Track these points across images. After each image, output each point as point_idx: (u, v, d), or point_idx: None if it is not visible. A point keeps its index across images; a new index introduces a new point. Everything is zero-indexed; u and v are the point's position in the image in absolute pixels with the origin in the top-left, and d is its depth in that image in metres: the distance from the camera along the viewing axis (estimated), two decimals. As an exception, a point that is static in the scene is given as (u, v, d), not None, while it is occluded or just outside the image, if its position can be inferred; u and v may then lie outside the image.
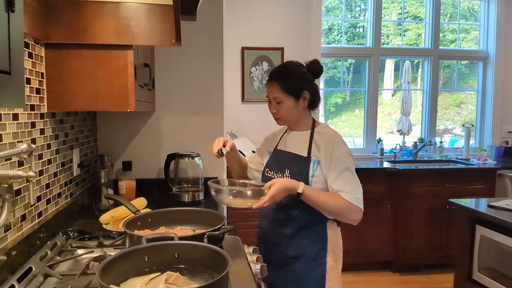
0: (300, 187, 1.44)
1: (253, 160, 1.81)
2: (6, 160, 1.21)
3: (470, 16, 4.60)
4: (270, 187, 1.40)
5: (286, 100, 1.55)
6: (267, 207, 1.45)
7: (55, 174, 1.63)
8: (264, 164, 1.71)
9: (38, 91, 1.48)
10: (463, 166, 3.82)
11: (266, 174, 1.67)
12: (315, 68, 1.62)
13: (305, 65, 1.63)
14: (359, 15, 4.54)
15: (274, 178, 1.57)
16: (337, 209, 1.47)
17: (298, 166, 1.55)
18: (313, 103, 1.61)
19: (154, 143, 2.41)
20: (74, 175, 1.87)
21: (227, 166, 2.29)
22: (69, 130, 1.81)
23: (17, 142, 1.29)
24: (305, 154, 1.56)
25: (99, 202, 2.05)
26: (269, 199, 1.38)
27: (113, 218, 1.72)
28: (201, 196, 2.27)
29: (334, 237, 1.58)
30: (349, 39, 4.52)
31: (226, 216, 1.66)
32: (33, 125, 1.42)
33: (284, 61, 3.95)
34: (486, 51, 4.42)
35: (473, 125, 4.43)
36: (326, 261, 1.55)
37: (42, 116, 1.51)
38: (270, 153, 1.71)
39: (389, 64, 4.61)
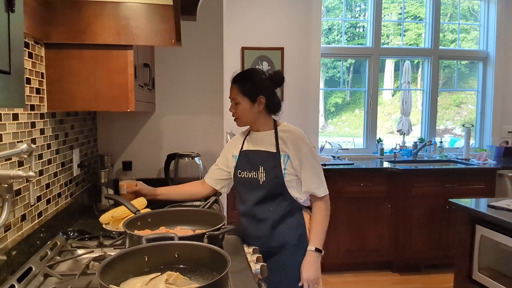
0: (310, 248, 1.63)
1: (214, 171, 1.88)
2: (6, 160, 1.21)
3: (470, 16, 4.60)
4: (306, 280, 1.62)
5: (242, 101, 1.67)
6: (246, 206, 1.71)
7: (55, 174, 1.63)
8: (233, 167, 1.78)
9: (38, 91, 1.48)
10: (463, 166, 3.82)
11: (240, 176, 1.73)
12: (276, 77, 1.73)
13: (267, 74, 1.74)
14: (359, 15, 4.54)
15: (248, 177, 1.70)
16: (327, 217, 1.70)
17: (270, 161, 1.67)
18: (272, 108, 1.73)
19: (154, 143, 2.42)
20: (74, 175, 1.87)
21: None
22: (69, 130, 1.81)
23: (17, 142, 1.29)
24: (274, 150, 1.68)
25: (99, 202, 2.05)
26: (311, 283, 1.62)
27: (113, 218, 1.72)
28: (201, 196, 2.27)
29: (308, 222, 1.72)
30: (349, 39, 4.52)
31: (226, 216, 1.65)
32: (33, 125, 1.42)
33: (284, 61, 3.98)
34: (486, 51, 4.42)
35: (473, 125, 4.43)
36: (308, 244, 1.67)
37: (42, 116, 1.51)
38: (236, 156, 1.77)
39: (389, 64, 4.61)
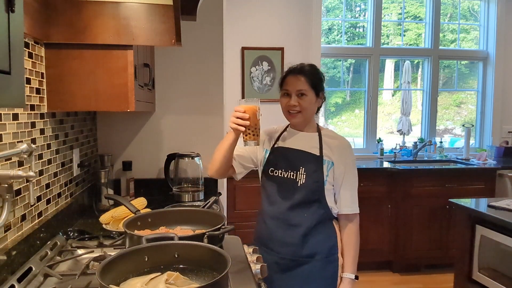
0: (349, 276, 1.56)
1: (243, 154, 1.69)
2: (6, 160, 1.21)
3: (470, 16, 4.60)
4: None
5: (309, 94, 1.57)
6: (277, 208, 1.58)
7: (55, 174, 1.63)
8: (262, 162, 1.66)
9: (38, 91, 1.48)
10: (463, 166, 3.82)
11: (272, 174, 1.63)
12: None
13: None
14: (359, 15, 4.54)
15: (283, 177, 1.59)
16: (358, 241, 1.62)
17: (313, 164, 1.56)
18: (319, 109, 1.69)
19: (154, 143, 2.41)
20: (74, 175, 1.87)
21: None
22: (69, 130, 1.81)
23: (17, 142, 1.29)
24: (317, 153, 1.58)
25: (99, 202, 2.06)
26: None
27: (113, 218, 1.72)
28: (201, 196, 2.27)
29: (338, 234, 1.62)
30: (349, 39, 4.52)
31: (226, 216, 1.65)
32: (33, 125, 1.42)
33: (284, 61, 3.97)
34: (486, 51, 4.42)
35: (473, 125, 4.43)
36: (338, 257, 1.59)
37: (42, 116, 1.51)
38: (267, 151, 1.66)
39: (389, 64, 4.61)
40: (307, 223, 1.55)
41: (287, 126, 1.72)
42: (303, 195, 1.54)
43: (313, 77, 1.60)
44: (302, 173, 1.56)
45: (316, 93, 1.60)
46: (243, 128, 1.40)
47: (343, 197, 1.58)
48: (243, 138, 1.43)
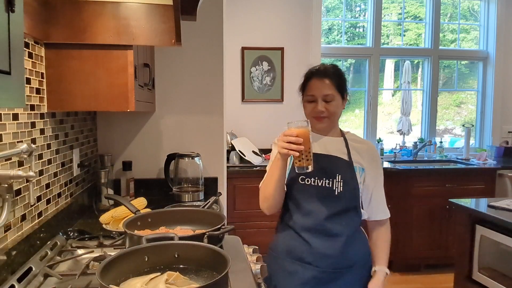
0: (384, 269, 1.53)
1: None
2: (6, 160, 1.21)
3: (470, 16, 4.60)
4: None
5: (336, 97, 1.49)
6: (314, 219, 1.47)
7: (55, 174, 1.63)
8: (288, 169, 1.51)
9: (38, 91, 1.48)
10: (463, 166, 3.82)
11: (303, 182, 1.49)
12: None
13: None
14: (359, 15, 4.53)
15: (318, 185, 1.48)
16: (390, 238, 1.60)
17: (348, 170, 1.49)
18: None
19: (154, 143, 2.41)
20: (74, 175, 1.87)
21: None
22: (69, 130, 1.81)
23: (17, 142, 1.29)
24: (347, 159, 1.51)
25: (99, 202, 2.06)
26: None
27: (113, 218, 1.72)
28: (201, 196, 2.27)
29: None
30: (349, 39, 4.52)
31: (226, 216, 1.65)
32: (33, 125, 1.42)
33: (284, 61, 3.97)
34: (486, 51, 4.41)
35: (473, 125, 4.43)
36: (371, 264, 1.57)
37: (42, 116, 1.51)
38: (292, 157, 1.43)
39: (389, 64, 4.61)
40: (346, 232, 1.47)
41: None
42: (342, 204, 1.47)
43: (338, 79, 1.50)
44: (339, 180, 1.47)
45: (342, 95, 1.52)
46: (297, 154, 1.32)
47: (376, 203, 1.55)
48: (296, 163, 1.36)
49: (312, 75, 1.51)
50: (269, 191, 1.50)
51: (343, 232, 1.47)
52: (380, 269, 1.52)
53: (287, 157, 1.39)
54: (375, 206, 1.55)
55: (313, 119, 1.50)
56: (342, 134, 1.59)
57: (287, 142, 1.33)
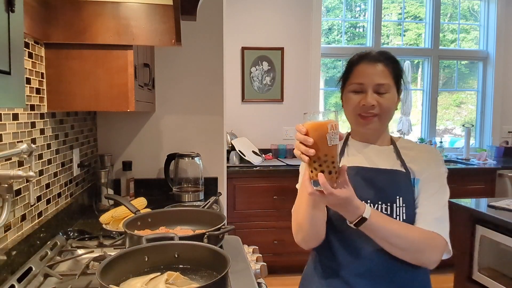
0: (366, 210, 1.00)
1: None
2: (6, 160, 1.21)
3: (470, 16, 4.59)
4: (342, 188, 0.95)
5: (392, 90, 1.14)
6: (368, 262, 1.09)
7: (55, 174, 1.63)
8: None
9: (38, 91, 1.48)
10: (463, 166, 3.82)
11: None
12: None
13: None
14: (359, 15, 4.53)
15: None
16: (414, 242, 1.06)
17: (407, 187, 1.12)
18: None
19: (154, 143, 2.41)
20: (74, 175, 1.87)
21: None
22: (69, 130, 1.81)
23: (17, 142, 1.29)
24: (403, 169, 1.14)
25: (99, 202, 2.05)
26: (327, 195, 0.92)
27: (113, 218, 1.72)
28: (201, 196, 2.27)
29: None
30: (349, 39, 4.52)
31: (226, 216, 1.65)
32: (33, 125, 1.42)
33: (284, 61, 3.97)
34: (486, 51, 4.41)
35: (473, 125, 4.42)
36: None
37: (42, 116, 1.51)
38: None
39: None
40: (409, 274, 1.11)
41: (347, 137, 1.26)
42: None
43: (396, 66, 1.16)
44: (400, 205, 1.10)
45: (398, 91, 1.17)
46: (306, 158, 0.91)
47: (429, 209, 1.12)
48: (309, 175, 0.94)
49: (361, 58, 1.16)
50: (301, 218, 1.10)
51: (407, 275, 1.09)
52: (367, 209, 1.00)
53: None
54: (431, 213, 1.12)
55: (358, 117, 1.14)
56: (392, 141, 1.22)
57: (299, 142, 0.92)
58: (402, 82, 1.18)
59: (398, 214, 1.10)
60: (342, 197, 0.93)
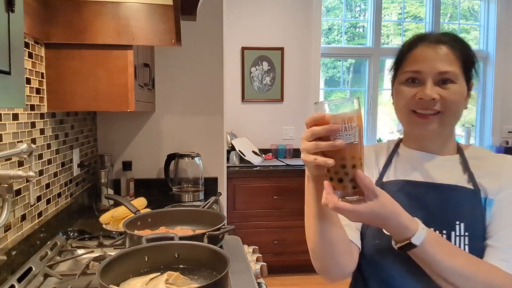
0: (419, 232, 0.76)
1: None
2: (6, 160, 1.21)
3: (470, 16, 4.59)
4: (374, 199, 0.72)
5: (460, 80, 0.89)
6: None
7: (55, 174, 1.63)
8: None
9: (38, 91, 1.48)
10: (463, 166, 3.81)
11: (388, 233, 0.81)
12: None
13: None
14: (359, 15, 4.53)
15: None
16: (484, 272, 0.79)
17: (474, 210, 0.86)
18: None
19: (154, 143, 2.41)
20: (74, 175, 1.87)
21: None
22: (69, 130, 1.81)
23: (17, 142, 1.29)
24: (470, 186, 0.89)
25: (99, 202, 2.05)
26: (333, 209, 0.72)
27: (113, 218, 1.72)
28: (201, 196, 2.27)
29: None
30: (349, 39, 4.52)
31: (226, 216, 1.65)
32: (33, 125, 1.42)
33: (284, 61, 3.97)
34: (486, 51, 4.41)
35: (473, 125, 4.42)
36: None
37: (42, 116, 1.51)
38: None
39: (389, 64, 4.60)
40: None
41: (398, 143, 1.05)
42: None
43: (465, 50, 0.91)
44: (462, 233, 0.85)
45: (468, 81, 0.93)
46: (315, 160, 0.70)
47: (495, 227, 0.85)
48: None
49: (419, 40, 0.92)
50: (312, 238, 0.88)
51: None
52: (420, 230, 0.76)
53: (316, 174, 0.77)
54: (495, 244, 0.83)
55: (412, 115, 0.90)
56: (459, 150, 0.96)
57: (308, 141, 0.71)
58: (473, 71, 0.93)
59: (458, 243, 0.84)
60: (361, 211, 0.70)
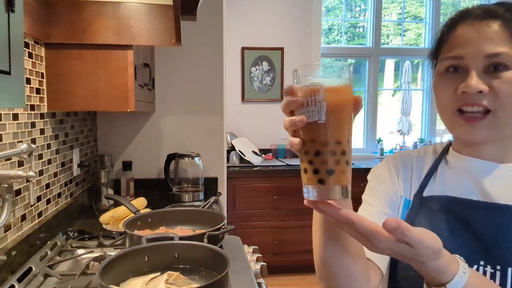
0: (459, 276, 0.57)
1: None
2: (6, 160, 1.21)
3: (470, 16, 4.60)
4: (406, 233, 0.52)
5: None
6: None
7: (55, 174, 1.63)
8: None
9: (38, 91, 1.48)
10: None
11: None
12: None
13: None
14: (359, 15, 4.53)
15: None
16: None
17: None
18: None
19: (154, 143, 2.41)
20: (74, 175, 1.87)
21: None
22: (69, 130, 1.81)
23: (17, 142, 1.29)
24: None
25: (99, 202, 2.05)
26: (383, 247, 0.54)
27: (113, 218, 1.72)
28: (201, 196, 2.27)
29: None
30: (349, 39, 4.52)
31: (226, 216, 1.65)
32: (33, 125, 1.42)
33: (284, 61, 3.97)
34: (486, 51, 4.42)
35: None
36: None
37: (42, 116, 1.51)
38: (407, 203, 0.80)
39: (389, 64, 4.61)
40: None
41: (447, 148, 0.83)
42: None
43: None
44: None
45: None
46: (294, 142, 0.56)
47: None
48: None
49: (462, 17, 0.73)
50: (316, 249, 0.70)
51: None
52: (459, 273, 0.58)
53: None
54: None
55: (455, 116, 0.71)
56: None
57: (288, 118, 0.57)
58: None
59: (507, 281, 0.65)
60: (362, 227, 0.53)
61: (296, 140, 0.55)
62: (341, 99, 0.56)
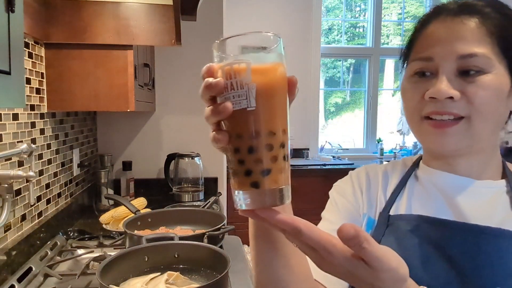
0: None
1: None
2: (6, 160, 1.21)
3: (470, 16, 4.60)
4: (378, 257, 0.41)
5: (496, 66, 0.60)
6: None
7: (55, 174, 1.63)
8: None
9: (38, 91, 1.48)
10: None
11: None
12: None
13: None
14: (359, 15, 4.54)
15: None
16: None
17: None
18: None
19: (154, 143, 2.41)
20: (74, 175, 1.87)
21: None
22: (69, 130, 1.81)
23: (17, 142, 1.28)
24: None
25: (99, 202, 2.06)
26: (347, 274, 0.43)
27: (113, 218, 1.72)
28: (201, 196, 2.27)
29: None
30: (349, 39, 4.52)
31: (226, 216, 1.65)
32: (33, 125, 1.42)
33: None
34: (486, 51, 4.42)
35: None
36: None
37: (42, 116, 1.51)
38: (371, 222, 0.71)
39: (389, 64, 4.61)
40: None
41: (417, 161, 0.75)
42: None
43: (505, 22, 0.61)
44: None
45: (511, 69, 0.61)
46: (218, 138, 0.48)
47: None
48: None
49: (435, 14, 0.67)
50: (253, 265, 0.64)
51: None
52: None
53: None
54: None
55: (423, 123, 0.64)
56: (506, 172, 0.68)
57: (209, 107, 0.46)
58: None
59: None
60: (314, 239, 0.42)
61: (221, 135, 0.45)
62: (274, 80, 0.44)
